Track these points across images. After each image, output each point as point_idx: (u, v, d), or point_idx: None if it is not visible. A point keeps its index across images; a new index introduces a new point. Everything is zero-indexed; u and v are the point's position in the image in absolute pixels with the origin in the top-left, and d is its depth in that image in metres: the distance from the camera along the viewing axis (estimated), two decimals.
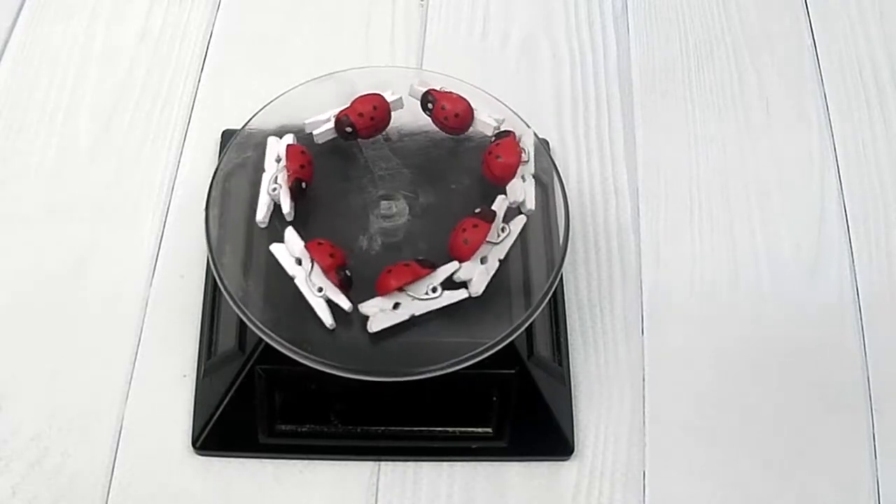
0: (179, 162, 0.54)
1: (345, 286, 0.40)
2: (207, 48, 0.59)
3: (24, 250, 0.51)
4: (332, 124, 0.45)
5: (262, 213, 0.43)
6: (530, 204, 0.44)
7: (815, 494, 0.47)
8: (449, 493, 0.46)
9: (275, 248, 0.42)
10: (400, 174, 0.45)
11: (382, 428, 0.46)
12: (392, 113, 0.46)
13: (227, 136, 0.54)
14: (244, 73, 0.58)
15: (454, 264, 0.41)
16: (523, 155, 0.44)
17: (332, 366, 0.39)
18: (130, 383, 0.47)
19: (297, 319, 0.41)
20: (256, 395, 0.45)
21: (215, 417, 0.45)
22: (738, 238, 0.55)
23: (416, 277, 0.40)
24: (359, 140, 0.46)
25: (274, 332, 0.40)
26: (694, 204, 0.56)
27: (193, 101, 0.57)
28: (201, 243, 0.50)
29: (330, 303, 0.40)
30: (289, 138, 0.45)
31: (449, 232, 0.42)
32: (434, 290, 0.41)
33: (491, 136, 0.45)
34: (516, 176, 0.44)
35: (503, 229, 0.43)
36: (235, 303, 0.40)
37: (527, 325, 0.41)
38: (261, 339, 0.43)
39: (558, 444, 0.47)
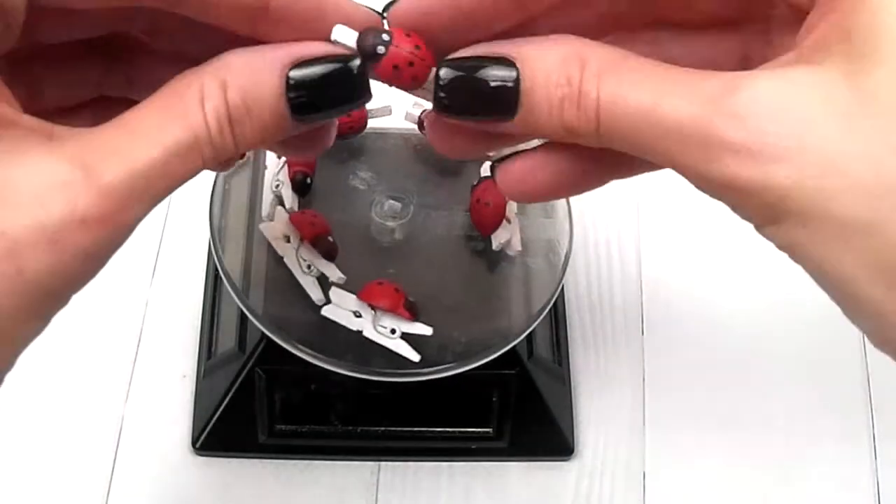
0: None
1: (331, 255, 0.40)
2: None
3: None
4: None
5: (265, 210, 0.42)
6: (517, 245, 0.43)
7: (815, 494, 0.47)
8: (449, 494, 0.46)
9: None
10: (447, 215, 0.44)
11: (382, 428, 0.46)
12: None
13: None
14: None
15: (425, 329, 0.40)
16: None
17: (332, 362, 0.39)
18: (130, 383, 0.47)
19: (298, 315, 0.40)
20: (256, 395, 0.45)
21: (215, 418, 0.45)
22: (738, 238, 0.54)
23: (393, 309, 0.39)
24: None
25: (275, 326, 0.40)
26: (694, 204, 0.55)
27: None
28: (201, 243, 0.50)
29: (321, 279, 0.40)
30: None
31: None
32: (393, 331, 0.40)
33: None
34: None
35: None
36: (240, 298, 0.40)
37: (529, 329, 0.41)
38: (261, 340, 0.43)
39: (558, 444, 0.47)
